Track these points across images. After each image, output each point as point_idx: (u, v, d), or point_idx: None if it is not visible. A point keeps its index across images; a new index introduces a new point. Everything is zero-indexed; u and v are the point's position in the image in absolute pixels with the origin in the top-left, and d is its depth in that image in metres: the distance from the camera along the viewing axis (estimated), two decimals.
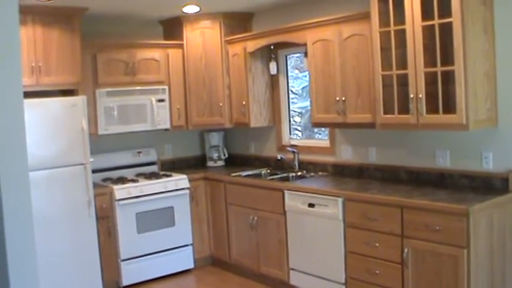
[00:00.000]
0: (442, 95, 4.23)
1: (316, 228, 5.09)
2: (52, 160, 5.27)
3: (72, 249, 5.37)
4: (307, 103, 6.29)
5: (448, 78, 4.23)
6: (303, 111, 6.54)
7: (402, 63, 4.47)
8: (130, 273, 5.85)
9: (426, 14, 4.24)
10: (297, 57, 6.42)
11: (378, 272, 4.53)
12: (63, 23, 5.47)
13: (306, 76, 6.31)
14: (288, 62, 6.50)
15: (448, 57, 4.19)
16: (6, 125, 3.00)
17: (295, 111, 6.61)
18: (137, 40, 6.31)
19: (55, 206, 5.28)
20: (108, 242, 5.70)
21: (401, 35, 4.44)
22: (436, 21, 4.17)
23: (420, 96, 4.33)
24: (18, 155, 3.09)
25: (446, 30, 4.14)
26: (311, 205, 5.10)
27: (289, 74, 6.53)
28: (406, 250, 4.28)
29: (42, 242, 5.07)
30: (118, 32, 6.33)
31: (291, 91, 6.59)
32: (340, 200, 4.83)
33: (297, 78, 6.60)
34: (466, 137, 4.56)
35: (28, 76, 5.23)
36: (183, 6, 5.93)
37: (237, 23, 6.52)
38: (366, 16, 4.73)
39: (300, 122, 6.63)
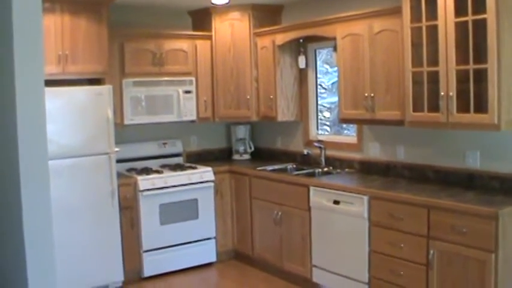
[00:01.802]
0: (474, 93, 4.11)
1: (340, 225, 5.01)
2: (77, 149, 5.27)
3: (95, 239, 5.37)
4: (337, 98, 6.19)
5: (481, 77, 4.10)
6: (333, 106, 6.44)
7: (433, 60, 4.35)
8: (152, 264, 5.83)
9: (459, 9, 4.12)
10: (328, 51, 6.32)
11: (402, 273, 4.44)
12: (91, 11, 5.45)
13: (336, 71, 6.21)
14: (318, 57, 6.41)
15: (481, 55, 4.06)
16: (27, 116, 2.99)
17: (324, 106, 6.52)
18: (165, 30, 6.26)
19: (79, 195, 5.29)
20: (130, 233, 5.69)
21: (433, 31, 4.33)
22: (470, 18, 4.04)
23: (451, 94, 4.21)
24: (38, 145, 3.08)
25: (480, 27, 4.02)
26: (336, 202, 5.02)
27: (319, 68, 6.44)
28: (431, 252, 4.18)
29: (64, 231, 5.13)
30: (146, 23, 6.30)
31: (321, 86, 6.50)
32: (365, 198, 4.74)
33: (327, 73, 6.50)
34: (497, 137, 4.43)
35: (55, 64, 5.24)
36: None
37: (266, 15, 6.44)
38: (397, 11, 4.62)
39: (329, 117, 6.54)
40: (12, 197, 3.15)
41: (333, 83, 6.44)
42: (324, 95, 6.51)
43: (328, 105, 6.52)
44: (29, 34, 2.91)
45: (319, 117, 6.49)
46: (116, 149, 5.53)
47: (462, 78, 4.18)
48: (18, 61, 2.88)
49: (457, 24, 4.15)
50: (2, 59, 3.08)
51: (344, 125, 6.12)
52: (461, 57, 4.16)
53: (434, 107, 4.39)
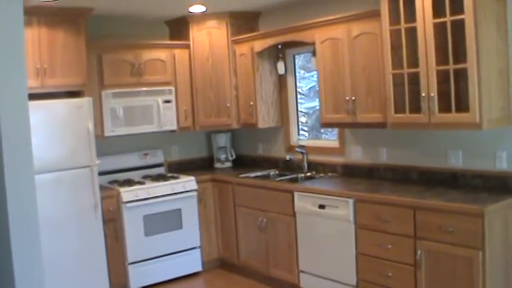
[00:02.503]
0: (455, 93, 4.15)
1: (326, 229, 5.01)
2: (58, 162, 5.21)
3: (79, 253, 5.31)
4: (314, 103, 6.23)
5: (461, 77, 4.15)
6: (310, 111, 6.46)
7: (413, 62, 4.39)
8: (138, 276, 5.78)
9: (438, 11, 4.16)
10: (303, 57, 6.34)
11: (390, 274, 4.45)
12: (69, 24, 5.40)
13: (312, 76, 6.24)
14: (296, 62, 6.42)
15: (460, 55, 4.11)
16: (12, 128, 2.95)
17: (301, 112, 6.53)
18: (143, 41, 6.23)
19: (61, 208, 5.22)
20: (115, 245, 5.64)
21: (412, 32, 4.36)
22: (448, 18, 4.08)
23: (432, 95, 4.25)
24: (24, 157, 3.05)
25: (459, 27, 4.06)
26: (321, 206, 5.02)
27: (297, 74, 6.45)
28: (419, 252, 4.20)
29: (48, 245, 5.03)
30: (123, 33, 6.27)
31: (299, 92, 6.50)
32: (351, 201, 4.75)
33: (304, 79, 6.52)
34: (479, 136, 4.48)
35: (33, 78, 5.16)
36: (189, 6, 5.87)
37: (243, 22, 6.45)
38: (375, 14, 4.65)
39: (306, 122, 6.55)
40: None
41: (309, 88, 6.46)
42: (302, 101, 6.52)
43: (305, 111, 6.53)
44: (10, 48, 2.88)
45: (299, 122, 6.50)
46: (98, 161, 5.48)
47: (443, 78, 4.22)
48: (0, 75, 2.85)
49: (435, 25, 4.19)
50: None
51: (322, 130, 6.14)
52: (441, 57, 4.20)
53: (415, 108, 4.42)
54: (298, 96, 6.47)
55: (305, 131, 6.53)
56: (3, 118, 2.90)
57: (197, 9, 5.98)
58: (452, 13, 4.06)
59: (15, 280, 2.97)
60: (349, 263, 4.80)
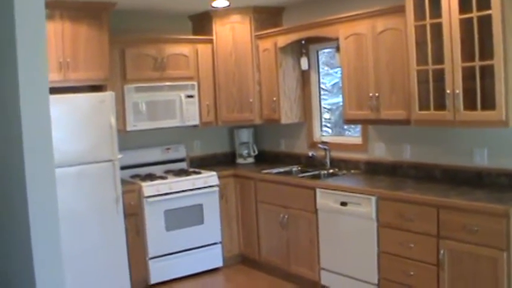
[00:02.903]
0: (480, 90, 4.07)
1: (348, 227, 4.96)
2: (80, 156, 5.23)
3: (100, 247, 5.32)
4: (338, 99, 6.17)
5: (487, 74, 4.07)
6: (334, 107, 6.40)
7: (438, 58, 4.31)
8: (158, 271, 5.79)
9: (464, 6, 4.08)
10: (327, 53, 6.29)
11: (412, 273, 4.39)
12: (92, 18, 5.41)
13: (336, 72, 6.18)
14: (320, 58, 6.36)
15: (486, 52, 4.03)
16: (33, 122, 2.95)
17: (325, 108, 6.48)
18: (166, 35, 6.22)
19: (83, 202, 5.24)
20: (136, 240, 5.64)
21: (437, 28, 4.29)
22: (475, 14, 4.00)
23: (457, 92, 4.17)
24: (44, 152, 3.04)
25: (485, 23, 3.98)
26: (343, 204, 4.97)
27: (320, 70, 6.39)
28: (442, 251, 4.14)
29: (69, 239, 5.07)
30: (147, 28, 6.27)
31: (322, 88, 6.45)
32: (373, 198, 4.69)
33: (328, 75, 6.46)
34: (505, 134, 4.39)
35: (56, 72, 5.19)
36: (213, 1, 5.85)
37: (267, 17, 6.41)
38: (400, 9, 4.58)
39: (329, 119, 6.50)
40: (19, 207, 3.11)
41: (333, 84, 6.40)
42: (325, 97, 6.47)
43: (329, 107, 6.48)
44: (32, 42, 2.87)
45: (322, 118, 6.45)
46: (120, 156, 5.49)
47: (468, 75, 4.14)
48: (22, 69, 2.84)
49: (461, 21, 4.11)
50: (6, 67, 3.04)
51: (346, 126, 6.08)
52: (467, 54, 4.12)
53: (440, 105, 4.35)
54: (322, 92, 6.42)
55: (328, 127, 6.48)
56: (24, 112, 2.89)
57: (220, 3, 5.96)
58: (479, 9, 3.97)
59: (35, 275, 2.97)
60: (371, 261, 4.75)
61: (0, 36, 3.04)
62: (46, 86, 2.94)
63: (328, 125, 6.48)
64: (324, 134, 6.40)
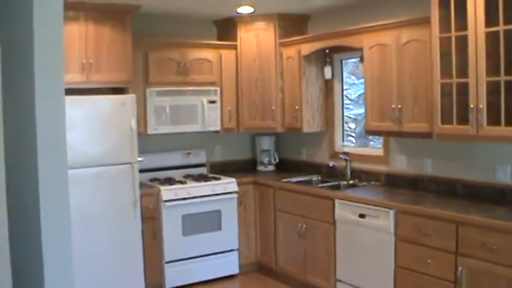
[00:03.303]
0: (505, 106, 3.98)
1: (366, 239, 4.89)
2: (99, 158, 5.24)
3: (116, 249, 5.33)
4: (363, 110, 6.09)
5: None
6: (359, 118, 6.34)
7: (463, 71, 4.23)
8: (174, 275, 5.77)
9: (490, 19, 4.00)
10: (353, 62, 6.23)
11: None
12: (116, 20, 5.44)
13: (362, 83, 6.12)
14: (345, 67, 6.31)
15: None
16: (47, 124, 2.94)
17: (350, 118, 6.42)
18: (190, 40, 6.22)
19: (101, 204, 5.25)
20: (152, 243, 5.63)
21: (462, 41, 4.21)
22: (501, 27, 3.92)
23: (481, 106, 4.09)
24: (58, 154, 3.04)
25: None
26: (362, 216, 4.91)
27: (345, 79, 6.35)
28: (460, 269, 4.04)
29: (86, 240, 5.10)
30: (171, 31, 6.27)
31: (347, 97, 6.40)
32: (392, 212, 4.62)
33: (353, 85, 6.40)
34: None
35: (79, 73, 5.22)
36: (237, 7, 5.83)
37: (292, 25, 6.38)
38: (425, 21, 4.51)
39: (355, 129, 6.43)
40: (31, 207, 3.11)
41: (359, 95, 6.34)
42: (350, 106, 6.41)
43: (354, 117, 6.42)
44: (49, 43, 2.87)
45: (344, 128, 6.39)
46: (139, 159, 5.49)
47: (493, 90, 4.06)
48: (38, 70, 2.84)
49: (487, 34, 4.03)
50: (22, 67, 3.05)
51: (370, 137, 6.01)
52: (492, 68, 4.04)
53: (463, 120, 4.27)
54: (347, 102, 6.36)
55: (353, 137, 6.42)
56: (39, 113, 2.89)
57: (245, 10, 5.95)
58: (506, 22, 3.89)
59: (44, 279, 2.97)
60: (387, 275, 4.67)
61: (18, 39, 3.05)
62: (62, 87, 2.94)
63: (353, 134, 6.42)
64: (347, 144, 6.34)
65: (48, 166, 2.93)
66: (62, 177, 3.01)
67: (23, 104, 3.12)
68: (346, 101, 6.39)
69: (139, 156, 5.49)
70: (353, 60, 6.17)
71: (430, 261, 4.29)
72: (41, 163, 2.91)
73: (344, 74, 6.34)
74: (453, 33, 4.27)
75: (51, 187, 2.98)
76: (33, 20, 2.80)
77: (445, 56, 4.38)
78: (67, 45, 5.03)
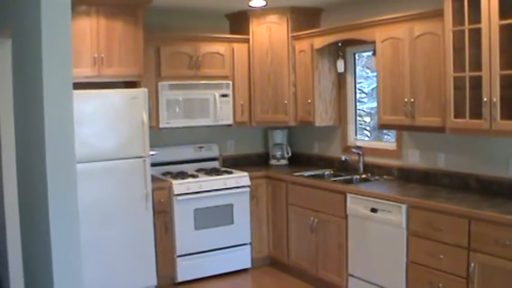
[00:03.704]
0: None
1: (377, 234, 4.86)
2: (111, 152, 5.25)
3: (128, 243, 5.35)
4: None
5: None
6: (373, 111, 6.30)
7: (476, 65, 4.18)
8: (185, 269, 5.78)
9: (504, 12, 3.94)
10: (367, 55, 6.18)
11: (440, 285, 4.27)
12: (127, 14, 5.44)
13: (376, 76, 6.06)
14: (359, 61, 6.27)
15: None
16: (56, 119, 2.95)
17: (364, 111, 6.37)
18: (202, 33, 6.21)
19: (112, 198, 5.26)
20: (164, 237, 5.65)
21: (476, 34, 4.16)
22: None
23: (494, 100, 4.04)
24: (66, 147, 3.05)
25: None
26: (374, 210, 4.88)
27: (360, 73, 6.30)
28: (472, 264, 4.00)
29: (98, 234, 5.14)
30: (183, 25, 6.27)
31: (361, 91, 6.35)
32: (404, 206, 4.58)
33: (368, 78, 6.35)
34: None
35: (90, 67, 5.24)
36: (250, 0, 5.80)
37: (304, 18, 6.34)
38: (438, 14, 4.46)
39: (369, 122, 6.39)
40: (40, 199, 3.12)
41: (373, 88, 6.29)
42: (365, 100, 6.37)
43: (368, 110, 6.37)
44: (57, 38, 2.88)
45: (359, 122, 6.36)
46: (153, 152, 5.51)
47: (506, 83, 4.01)
48: (46, 65, 2.85)
49: (501, 27, 3.97)
50: (31, 63, 3.06)
51: (385, 131, 5.97)
52: (506, 61, 3.99)
53: (476, 114, 4.22)
54: (361, 95, 6.32)
55: (367, 130, 6.37)
56: (47, 108, 2.90)
57: (257, 3, 5.93)
58: None
59: (53, 270, 2.99)
60: (399, 270, 4.64)
61: (27, 32, 3.07)
62: (70, 83, 2.95)
63: (368, 128, 6.38)
64: (362, 138, 6.30)
65: (56, 162, 2.95)
66: (69, 170, 3.02)
67: (31, 97, 3.14)
68: (360, 95, 6.35)
69: (151, 150, 5.49)
70: (367, 53, 6.12)
71: (442, 256, 4.25)
72: (49, 158, 2.92)
73: (358, 67, 6.30)
74: (466, 26, 4.22)
75: (59, 179, 2.99)
76: (41, 13, 2.81)
77: (458, 49, 4.33)
78: (79, 40, 5.11)
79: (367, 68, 6.32)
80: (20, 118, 3.88)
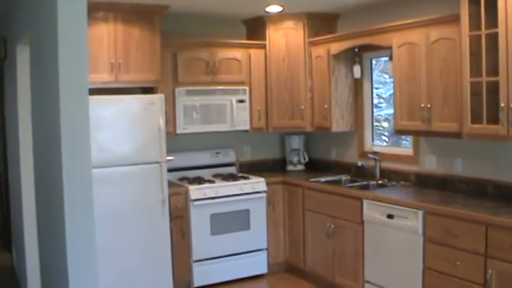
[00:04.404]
0: None
1: (394, 240, 4.83)
2: (128, 157, 5.28)
3: (144, 247, 5.37)
4: None
5: None
6: (391, 117, 6.26)
7: (493, 70, 4.15)
8: (202, 274, 5.79)
9: None
10: (385, 60, 6.16)
11: None
12: (144, 20, 5.48)
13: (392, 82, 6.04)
14: (377, 66, 6.25)
15: None
16: (72, 124, 2.98)
17: (382, 117, 6.35)
18: (219, 39, 6.23)
19: (129, 202, 5.29)
20: (181, 242, 5.66)
21: (493, 39, 4.13)
22: None
23: (511, 105, 4.00)
24: (83, 152, 3.07)
25: None
26: (390, 216, 4.85)
27: (377, 78, 6.28)
28: (489, 271, 3.96)
29: (114, 239, 5.17)
30: (200, 31, 6.30)
31: (379, 96, 6.33)
32: (420, 212, 4.56)
33: (386, 83, 6.32)
34: None
35: (107, 72, 5.30)
36: (266, 6, 5.81)
37: (321, 24, 6.34)
38: (455, 19, 4.43)
39: (387, 128, 6.36)
40: (57, 204, 3.15)
41: (391, 94, 6.26)
42: (383, 105, 6.34)
43: (386, 116, 6.34)
44: (73, 44, 2.90)
45: (377, 127, 6.33)
46: (170, 158, 5.55)
47: None
48: (62, 71, 2.88)
49: None
50: (48, 69, 3.09)
51: (403, 136, 5.93)
52: None
53: (493, 119, 4.18)
54: (379, 101, 6.30)
55: (386, 136, 6.34)
56: (63, 114, 2.93)
57: (274, 9, 5.93)
58: None
59: (68, 273, 3.01)
60: (416, 277, 4.60)
61: (43, 42, 3.10)
62: (86, 88, 2.97)
63: (386, 133, 6.35)
64: (379, 143, 6.27)
65: (72, 166, 2.97)
66: (86, 174, 3.04)
67: (48, 102, 3.17)
68: (379, 100, 6.32)
69: (169, 156, 5.52)
70: (385, 58, 6.10)
71: (458, 263, 4.21)
72: (65, 163, 2.95)
73: (376, 72, 6.28)
74: (483, 31, 4.19)
75: (75, 183, 3.01)
76: (58, 20, 2.84)
77: (474, 54, 4.30)
78: (96, 46, 5.17)
79: (385, 73, 6.30)
80: (37, 123, 3.92)
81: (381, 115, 6.35)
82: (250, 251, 6.10)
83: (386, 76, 6.29)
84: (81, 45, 2.92)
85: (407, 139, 5.91)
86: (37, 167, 4.19)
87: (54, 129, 3.05)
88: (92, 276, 3.04)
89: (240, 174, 6.45)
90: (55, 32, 2.88)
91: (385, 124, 6.35)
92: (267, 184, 6.17)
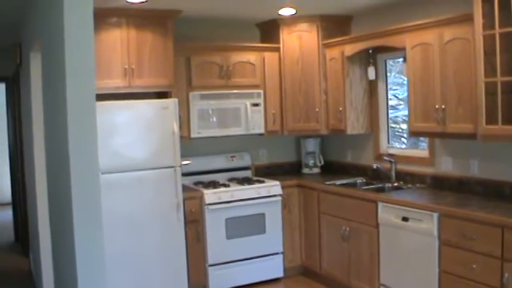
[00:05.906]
0: None
1: (409, 243, 4.78)
2: (142, 162, 5.30)
3: (160, 252, 5.37)
4: None
5: None
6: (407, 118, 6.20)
7: (508, 69, 4.10)
8: (217, 278, 5.78)
9: None
10: (402, 62, 6.09)
11: None
12: (157, 25, 5.50)
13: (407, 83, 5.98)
14: (394, 67, 6.20)
15: None
16: (79, 129, 2.99)
17: (399, 118, 6.29)
18: (232, 43, 6.22)
19: (144, 207, 5.30)
20: (196, 246, 5.66)
21: (507, 38, 4.07)
22: None
23: None
24: (90, 157, 3.08)
25: None
26: (405, 219, 4.80)
27: (394, 79, 6.23)
28: (506, 275, 3.90)
29: (129, 243, 5.19)
30: (213, 35, 6.30)
31: (396, 97, 6.27)
32: (435, 215, 4.50)
33: (403, 85, 6.26)
34: None
35: (121, 78, 5.32)
36: (279, 9, 5.80)
37: (335, 26, 6.31)
38: (468, 18, 4.38)
39: (406, 129, 6.29)
40: (66, 211, 3.16)
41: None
42: (400, 107, 6.28)
43: (404, 117, 6.28)
44: (80, 50, 2.91)
45: (395, 129, 6.28)
46: (186, 162, 5.60)
47: None
48: (69, 77, 2.89)
49: None
50: (56, 75, 3.11)
51: (421, 138, 5.87)
52: None
53: (509, 120, 4.13)
54: (396, 102, 6.24)
55: (404, 138, 6.28)
56: (70, 119, 2.93)
57: (287, 11, 5.91)
58: None
59: (77, 276, 3.01)
60: (432, 280, 4.55)
61: (52, 48, 3.11)
62: (93, 94, 2.97)
63: (405, 135, 6.28)
64: (397, 145, 6.22)
65: (80, 171, 2.97)
66: (93, 180, 3.04)
67: (57, 107, 3.19)
68: (396, 101, 6.27)
69: (184, 160, 5.52)
70: (400, 59, 6.05)
71: (474, 266, 4.15)
72: (73, 168, 2.95)
73: (393, 73, 6.23)
74: (497, 30, 4.13)
75: (83, 190, 3.02)
76: (64, 26, 2.85)
77: (489, 53, 4.23)
78: (109, 51, 5.20)
79: (402, 74, 6.23)
80: (49, 129, 3.94)
81: (398, 117, 6.29)
82: (266, 254, 6.08)
83: (403, 77, 6.23)
84: (88, 51, 2.92)
85: (426, 141, 5.85)
86: (49, 172, 4.22)
87: (62, 135, 3.06)
88: (101, 281, 3.04)
89: (255, 178, 6.44)
90: (62, 38, 2.89)
91: (404, 126, 6.29)
92: (282, 187, 6.15)
